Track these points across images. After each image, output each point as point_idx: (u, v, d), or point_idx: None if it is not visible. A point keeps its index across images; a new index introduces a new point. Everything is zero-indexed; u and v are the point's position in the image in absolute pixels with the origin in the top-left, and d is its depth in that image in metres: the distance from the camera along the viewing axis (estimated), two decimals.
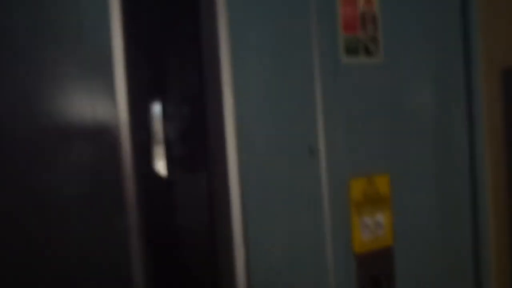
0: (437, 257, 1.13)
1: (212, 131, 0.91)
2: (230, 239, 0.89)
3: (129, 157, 0.79)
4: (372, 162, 1.04)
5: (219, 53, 0.86)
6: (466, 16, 1.15)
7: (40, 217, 0.73)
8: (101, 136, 0.77)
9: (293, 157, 0.94)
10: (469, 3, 1.14)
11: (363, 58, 1.02)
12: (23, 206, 0.72)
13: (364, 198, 1.02)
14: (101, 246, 0.77)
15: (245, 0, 0.88)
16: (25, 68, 0.71)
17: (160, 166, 0.90)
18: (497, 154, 1.18)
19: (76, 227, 0.75)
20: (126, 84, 0.78)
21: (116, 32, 0.77)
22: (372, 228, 1.03)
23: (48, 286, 0.74)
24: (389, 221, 1.05)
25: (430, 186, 1.12)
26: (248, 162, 0.88)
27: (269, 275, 0.91)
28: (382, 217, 1.05)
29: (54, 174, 0.74)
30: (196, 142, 0.93)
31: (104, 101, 0.77)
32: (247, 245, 0.88)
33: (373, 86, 1.04)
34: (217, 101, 0.88)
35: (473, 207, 1.16)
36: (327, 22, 0.98)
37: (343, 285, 1.00)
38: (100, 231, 0.77)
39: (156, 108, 0.91)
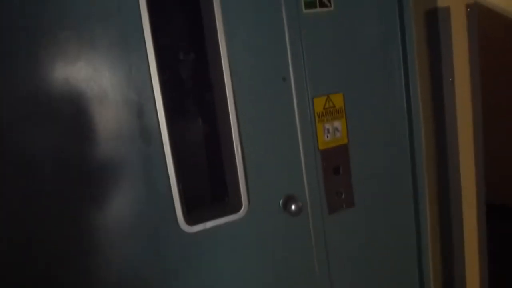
0: (382, 151, 1.57)
1: (213, 70, 1.32)
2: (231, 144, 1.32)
3: None
4: (330, 86, 1.45)
5: (215, 15, 1.25)
6: None
7: None
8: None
9: (272, 84, 1.36)
10: None
11: (318, 9, 1.40)
12: None
13: (325, 110, 1.44)
14: None
15: None
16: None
17: None
18: (423, 80, 1.57)
19: None
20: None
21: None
22: (331, 132, 1.46)
23: None
24: (344, 127, 1.48)
25: (374, 101, 1.53)
26: (240, 89, 1.29)
27: (258, 163, 1.35)
28: (339, 124, 1.47)
29: None
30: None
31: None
32: (243, 147, 1.31)
33: (328, 29, 1.43)
34: (215, 47, 1.28)
35: (408, 109, 1.57)
36: None
37: (312, 173, 1.44)
38: None
39: None
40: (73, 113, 1.11)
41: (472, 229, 1.67)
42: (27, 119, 1.06)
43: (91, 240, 1.16)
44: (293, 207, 1.37)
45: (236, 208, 1.34)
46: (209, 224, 1.30)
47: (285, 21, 1.35)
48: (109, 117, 1.15)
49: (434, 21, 1.47)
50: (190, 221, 1.27)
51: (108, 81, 1.13)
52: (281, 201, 1.40)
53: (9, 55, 1.03)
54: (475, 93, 1.55)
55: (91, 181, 1.14)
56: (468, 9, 1.50)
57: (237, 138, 1.31)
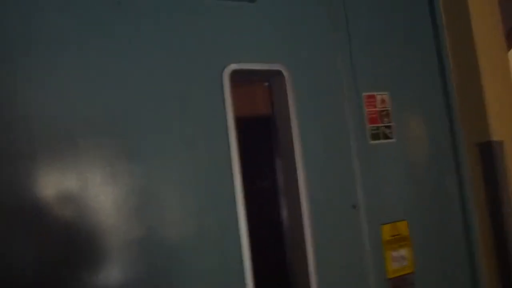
0: (449, 280, 1.54)
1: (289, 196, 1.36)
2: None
3: None
4: (396, 214, 1.47)
5: (293, 140, 1.33)
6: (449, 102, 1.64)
7: None
8: None
9: (342, 211, 1.38)
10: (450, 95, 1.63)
11: (382, 140, 1.49)
12: None
13: (392, 238, 1.45)
14: None
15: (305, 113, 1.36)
16: None
17: None
18: (480, 209, 1.61)
19: None
20: None
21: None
22: (398, 260, 1.45)
23: None
24: (410, 255, 1.47)
25: (434, 228, 1.55)
26: (316, 217, 1.31)
27: None
28: (404, 252, 1.47)
29: None
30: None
31: None
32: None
33: (390, 159, 1.50)
34: (292, 170, 1.33)
35: (467, 239, 1.58)
36: (358, 118, 1.45)
37: None
38: None
39: None
40: None
41: None
42: None
43: None
44: None
45: None
46: None
47: (353, 151, 1.43)
48: None
49: (488, 154, 1.55)
50: None
51: None
52: None
53: None
54: None
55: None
56: None
57: (312, 268, 1.29)
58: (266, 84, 1.42)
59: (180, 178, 1.17)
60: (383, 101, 1.52)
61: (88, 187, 1.05)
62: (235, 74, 1.26)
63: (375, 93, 1.51)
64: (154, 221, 1.12)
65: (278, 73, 1.34)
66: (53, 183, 1.03)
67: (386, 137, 1.50)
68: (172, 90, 1.18)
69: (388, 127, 1.51)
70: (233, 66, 1.26)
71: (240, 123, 1.25)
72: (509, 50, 1.86)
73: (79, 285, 1.02)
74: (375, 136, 1.48)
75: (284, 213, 1.38)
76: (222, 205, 1.21)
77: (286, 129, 1.35)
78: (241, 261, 1.20)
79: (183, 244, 1.16)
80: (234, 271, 1.19)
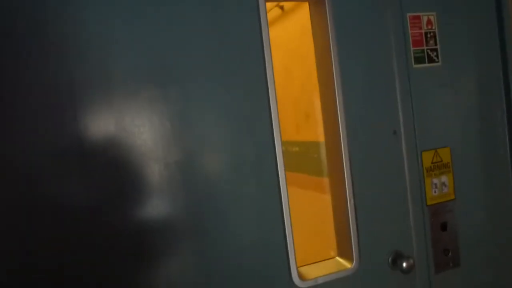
0: (488, 209, 1.51)
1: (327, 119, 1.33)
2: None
3: None
4: (437, 141, 1.43)
5: (332, 63, 1.28)
6: (502, 29, 1.52)
7: None
8: None
9: (383, 137, 1.35)
10: (504, 20, 1.50)
11: (427, 64, 1.41)
12: None
13: (433, 165, 1.41)
14: None
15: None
16: None
17: None
18: None
19: None
20: None
21: None
22: (439, 187, 1.42)
23: None
24: (451, 182, 1.44)
25: (478, 156, 1.50)
26: (353, 139, 1.29)
27: (368, 218, 1.32)
28: (446, 179, 1.43)
29: None
30: None
31: None
32: (355, 200, 1.29)
33: (435, 84, 1.43)
34: (332, 97, 1.29)
35: None
36: (401, 40, 1.37)
37: (420, 228, 1.39)
38: None
39: None
40: None
41: None
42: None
43: None
44: (404, 264, 1.31)
45: (346, 263, 1.30)
46: (320, 280, 1.26)
47: (396, 75, 1.36)
48: None
49: None
50: (303, 276, 1.24)
51: None
52: (390, 258, 1.35)
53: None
54: None
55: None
56: None
57: (351, 191, 1.29)
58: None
59: (215, 103, 1.15)
60: (429, 22, 1.42)
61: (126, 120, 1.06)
62: None
63: (420, 14, 1.41)
64: (192, 146, 1.13)
65: None
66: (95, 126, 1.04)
67: (431, 60, 1.42)
68: (205, 11, 1.13)
69: (434, 50, 1.43)
70: None
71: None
72: None
73: (124, 215, 1.06)
74: (420, 60, 1.40)
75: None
76: (259, 130, 1.19)
77: (325, 51, 1.30)
78: (277, 186, 1.20)
79: (221, 170, 1.16)
80: (271, 196, 1.20)
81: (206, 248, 1.12)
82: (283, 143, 1.21)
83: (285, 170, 1.20)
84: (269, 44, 1.19)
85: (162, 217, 1.09)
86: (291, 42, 1.64)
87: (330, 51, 1.28)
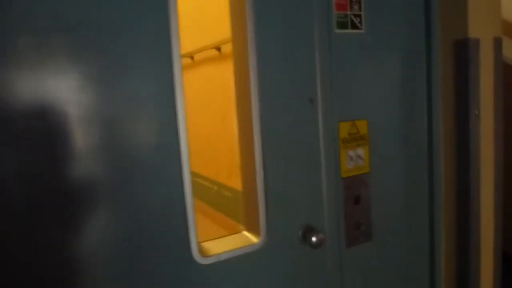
0: (401, 183, 1.49)
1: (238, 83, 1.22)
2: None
3: None
4: (355, 112, 1.37)
5: (247, 21, 1.16)
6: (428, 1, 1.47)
7: None
8: None
9: (299, 105, 1.26)
10: None
11: (350, 30, 1.33)
12: None
13: (349, 136, 1.35)
14: None
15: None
16: None
17: None
18: (447, 112, 1.52)
19: None
20: None
21: None
22: (354, 159, 1.37)
23: None
24: (367, 155, 1.40)
25: (396, 130, 1.46)
26: (266, 106, 1.19)
27: (279, 190, 1.25)
28: (362, 151, 1.39)
29: None
30: None
31: None
32: (266, 168, 1.21)
33: (357, 52, 1.36)
34: (243, 61, 1.18)
35: (429, 141, 1.52)
36: (324, 3, 1.28)
37: (332, 201, 1.35)
38: None
39: None
40: None
41: (488, 271, 1.61)
42: None
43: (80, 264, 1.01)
44: (313, 238, 1.26)
45: (253, 238, 1.23)
46: (224, 256, 1.17)
47: (316, 39, 1.27)
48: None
49: (463, 52, 1.42)
50: (204, 252, 1.15)
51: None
52: (300, 232, 1.29)
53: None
54: (497, 129, 1.51)
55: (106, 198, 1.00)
56: (496, 42, 1.47)
57: (260, 161, 1.20)
58: None
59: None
60: None
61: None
62: None
63: None
64: None
65: None
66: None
67: (355, 26, 1.34)
68: None
69: (358, 16, 1.35)
70: None
71: None
72: None
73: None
74: (342, 25, 1.32)
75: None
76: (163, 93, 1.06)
77: (240, 15, 1.17)
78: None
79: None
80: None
81: (118, 213, 1.01)
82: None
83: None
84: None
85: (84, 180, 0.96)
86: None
87: (245, 14, 1.15)
